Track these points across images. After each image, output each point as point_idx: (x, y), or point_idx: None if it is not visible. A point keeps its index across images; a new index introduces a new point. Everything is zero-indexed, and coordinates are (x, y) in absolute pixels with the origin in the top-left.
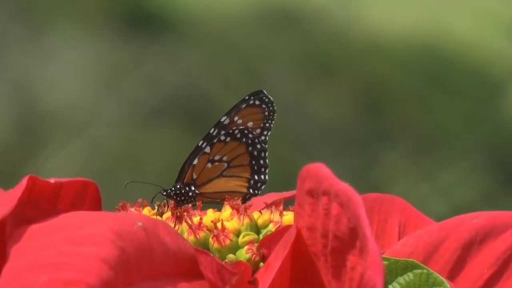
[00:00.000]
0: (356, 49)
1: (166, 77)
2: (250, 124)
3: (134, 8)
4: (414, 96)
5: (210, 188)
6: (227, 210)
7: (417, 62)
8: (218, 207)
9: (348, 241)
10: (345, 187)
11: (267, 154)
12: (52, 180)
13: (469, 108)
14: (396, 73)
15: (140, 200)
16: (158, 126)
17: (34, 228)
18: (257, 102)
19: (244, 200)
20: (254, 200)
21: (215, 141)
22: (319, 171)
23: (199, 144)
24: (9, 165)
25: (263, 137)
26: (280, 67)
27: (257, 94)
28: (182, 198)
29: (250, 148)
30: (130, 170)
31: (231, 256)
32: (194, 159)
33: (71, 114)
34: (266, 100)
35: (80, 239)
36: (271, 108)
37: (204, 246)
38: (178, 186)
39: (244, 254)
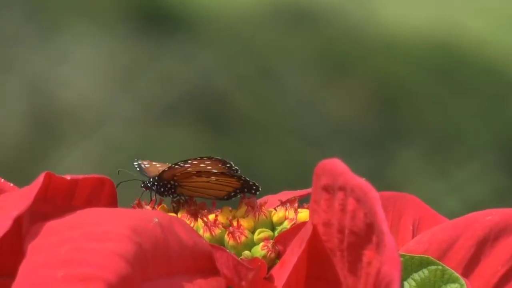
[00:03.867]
0: (370, 47)
1: (180, 76)
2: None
3: (148, 6)
4: (428, 94)
5: (191, 182)
6: (242, 208)
7: (431, 60)
8: (228, 204)
9: (365, 236)
10: (361, 182)
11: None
12: (68, 177)
13: (483, 106)
14: (410, 71)
15: (154, 198)
16: (172, 124)
17: (50, 225)
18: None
19: (228, 197)
20: (269, 197)
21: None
22: (335, 166)
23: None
24: (24, 164)
25: None
26: (294, 65)
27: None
28: (162, 189)
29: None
30: None
31: (246, 253)
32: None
33: (86, 112)
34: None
35: (97, 235)
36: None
37: (219, 243)
38: (156, 178)
39: (259, 250)
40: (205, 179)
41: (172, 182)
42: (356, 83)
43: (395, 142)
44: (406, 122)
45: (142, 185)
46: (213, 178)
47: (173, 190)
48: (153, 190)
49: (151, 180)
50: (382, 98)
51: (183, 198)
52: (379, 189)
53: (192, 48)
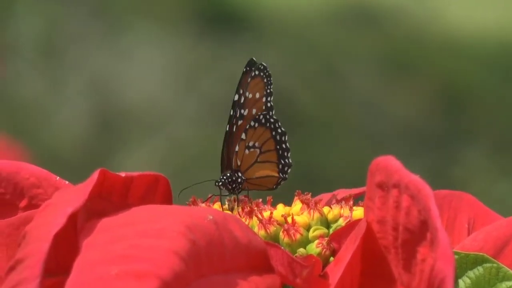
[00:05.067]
0: (434, 47)
1: None
2: (257, 95)
3: (213, 6)
4: (492, 94)
5: (252, 173)
6: (297, 205)
7: (496, 60)
8: (278, 199)
9: (419, 233)
10: (415, 179)
11: (287, 138)
12: (122, 174)
13: None
14: (475, 71)
15: (210, 195)
16: None
17: (105, 221)
18: (256, 72)
19: (276, 185)
20: (324, 196)
21: (247, 127)
22: (389, 164)
23: (227, 129)
24: (89, 163)
25: (269, 104)
26: (358, 65)
27: (253, 65)
28: (234, 185)
29: (273, 133)
30: (208, 168)
31: (301, 250)
32: (231, 145)
33: (150, 112)
34: (261, 67)
35: (151, 232)
36: (267, 73)
37: (274, 240)
38: (229, 174)
39: (314, 248)
40: (253, 155)
41: (239, 175)
42: (421, 82)
43: (459, 141)
44: (470, 121)
45: (220, 183)
46: (257, 151)
47: (240, 186)
48: (227, 187)
49: (223, 177)
50: (446, 98)
51: (238, 197)
52: (442, 188)
53: (256, 48)
